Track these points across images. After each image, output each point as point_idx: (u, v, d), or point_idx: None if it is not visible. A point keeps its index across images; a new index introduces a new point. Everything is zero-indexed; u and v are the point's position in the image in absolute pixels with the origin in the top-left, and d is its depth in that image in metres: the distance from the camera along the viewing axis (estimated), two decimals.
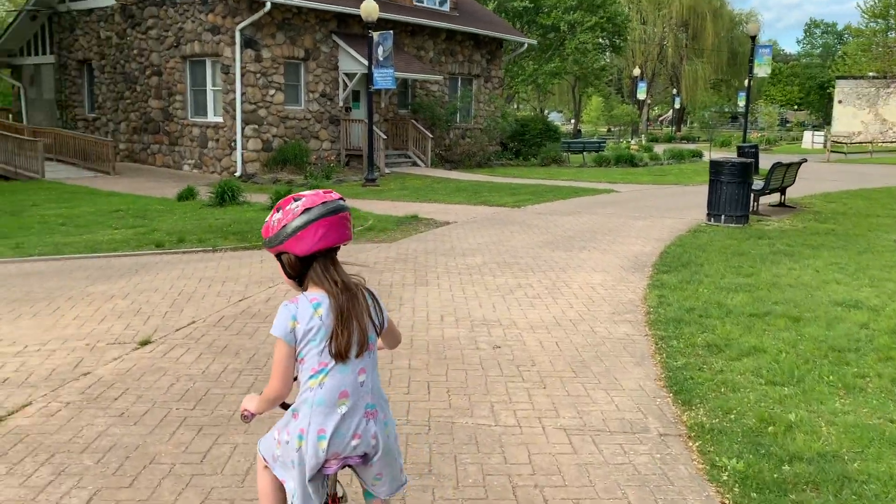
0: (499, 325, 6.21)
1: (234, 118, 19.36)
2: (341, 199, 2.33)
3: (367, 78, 18.29)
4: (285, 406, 2.42)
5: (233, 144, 19.54)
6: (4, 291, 7.20)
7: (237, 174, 19.28)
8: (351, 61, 20.64)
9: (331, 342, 2.25)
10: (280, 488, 2.45)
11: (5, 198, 15.06)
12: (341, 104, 21.37)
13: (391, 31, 18.99)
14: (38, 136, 20.74)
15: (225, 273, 8.04)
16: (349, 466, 2.39)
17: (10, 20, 26.39)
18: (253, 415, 2.41)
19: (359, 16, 19.97)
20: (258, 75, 19.23)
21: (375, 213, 12.87)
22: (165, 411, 4.26)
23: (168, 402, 4.40)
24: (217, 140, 19.99)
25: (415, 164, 23.08)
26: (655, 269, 8.47)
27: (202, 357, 5.27)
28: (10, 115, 26.76)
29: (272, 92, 19.60)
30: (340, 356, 2.27)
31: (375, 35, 18.35)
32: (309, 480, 2.30)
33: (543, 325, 6.24)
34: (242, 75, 19.06)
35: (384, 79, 18.59)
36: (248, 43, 18.97)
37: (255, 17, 18.58)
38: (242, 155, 19.36)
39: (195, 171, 20.63)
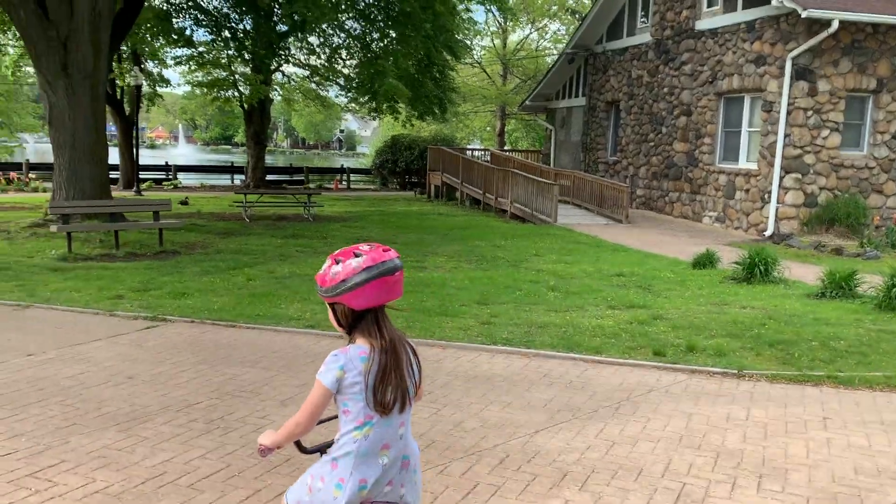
0: None
1: (771, 165, 15.72)
2: (397, 256, 2.33)
3: None
4: (300, 446, 2.45)
5: (766, 197, 15.91)
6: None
7: (767, 233, 15.61)
8: None
9: (375, 397, 2.26)
10: None
11: (512, 243, 14.26)
12: None
13: None
14: (558, 179, 20.36)
15: (758, 439, 4.63)
16: None
17: (550, 66, 27.33)
18: (270, 449, 2.40)
19: None
20: (809, 112, 15.23)
21: None
22: None
23: None
24: (747, 190, 16.60)
25: None
26: None
27: None
28: (540, 157, 27.72)
29: (825, 133, 15.36)
30: (385, 410, 2.28)
31: None
32: None
33: None
34: (789, 113, 15.32)
35: None
36: (800, 74, 15.16)
37: (815, 41, 14.66)
38: (777, 210, 15.58)
39: (716, 225, 17.58)
